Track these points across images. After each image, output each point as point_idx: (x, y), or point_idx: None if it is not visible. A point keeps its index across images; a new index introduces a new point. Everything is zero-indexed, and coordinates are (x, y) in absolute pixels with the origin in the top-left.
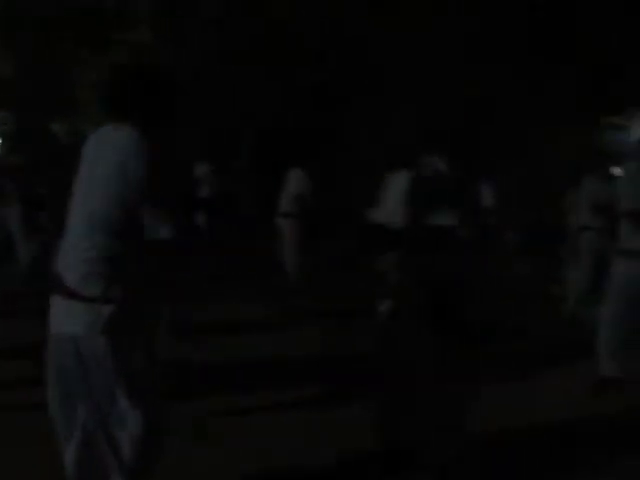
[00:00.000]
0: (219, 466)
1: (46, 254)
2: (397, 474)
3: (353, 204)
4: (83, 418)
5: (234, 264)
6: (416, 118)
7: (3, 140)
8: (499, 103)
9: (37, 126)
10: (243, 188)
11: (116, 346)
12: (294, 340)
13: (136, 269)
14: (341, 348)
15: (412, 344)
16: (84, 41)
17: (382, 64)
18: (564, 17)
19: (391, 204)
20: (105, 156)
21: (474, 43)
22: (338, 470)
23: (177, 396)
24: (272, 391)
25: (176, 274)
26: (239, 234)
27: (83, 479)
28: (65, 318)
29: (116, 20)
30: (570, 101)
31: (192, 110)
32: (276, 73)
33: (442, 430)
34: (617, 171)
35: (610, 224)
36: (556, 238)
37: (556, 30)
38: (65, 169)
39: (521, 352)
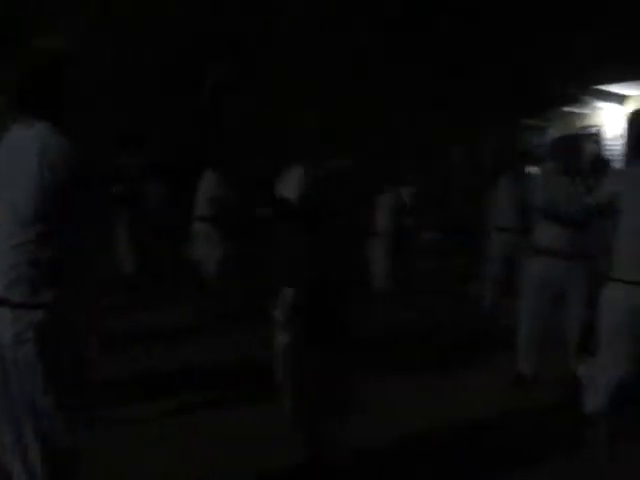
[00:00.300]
0: (166, 467)
1: None
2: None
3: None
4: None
5: (153, 269)
6: (317, 117)
7: None
8: (416, 104)
9: None
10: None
11: (46, 354)
12: (221, 344)
13: (67, 271)
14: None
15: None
16: None
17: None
18: (482, 19)
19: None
20: (24, 155)
21: (382, 41)
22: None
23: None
24: (211, 393)
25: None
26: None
27: None
28: None
29: (27, 26)
30: (489, 102)
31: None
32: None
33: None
34: (534, 171)
35: (525, 223)
36: (474, 237)
37: (475, 31)
38: None
39: (440, 349)
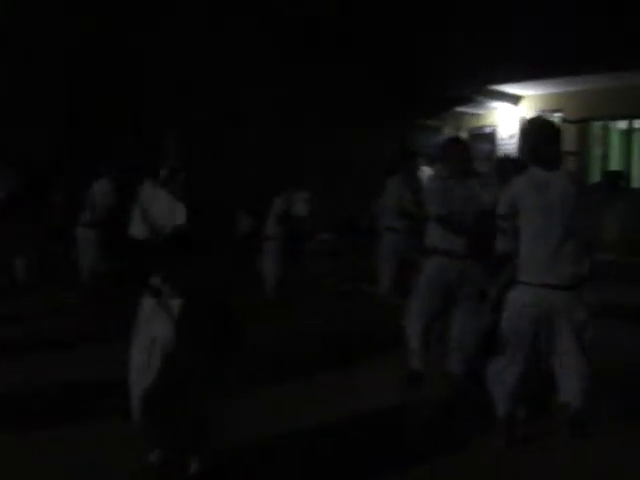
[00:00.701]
0: None
1: None
2: None
3: None
4: None
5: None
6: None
7: None
8: (313, 108)
9: None
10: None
11: None
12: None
13: None
14: None
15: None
16: None
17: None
18: (377, 25)
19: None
20: None
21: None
22: None
23: None
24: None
25: None
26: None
27: None
28: None
29: None
30: (384, 103)
31: None
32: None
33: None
34: (427, 172)
35: (414, 224)
36: (369, 237)
37: (370, 33)
38: None
39: (334, 349)
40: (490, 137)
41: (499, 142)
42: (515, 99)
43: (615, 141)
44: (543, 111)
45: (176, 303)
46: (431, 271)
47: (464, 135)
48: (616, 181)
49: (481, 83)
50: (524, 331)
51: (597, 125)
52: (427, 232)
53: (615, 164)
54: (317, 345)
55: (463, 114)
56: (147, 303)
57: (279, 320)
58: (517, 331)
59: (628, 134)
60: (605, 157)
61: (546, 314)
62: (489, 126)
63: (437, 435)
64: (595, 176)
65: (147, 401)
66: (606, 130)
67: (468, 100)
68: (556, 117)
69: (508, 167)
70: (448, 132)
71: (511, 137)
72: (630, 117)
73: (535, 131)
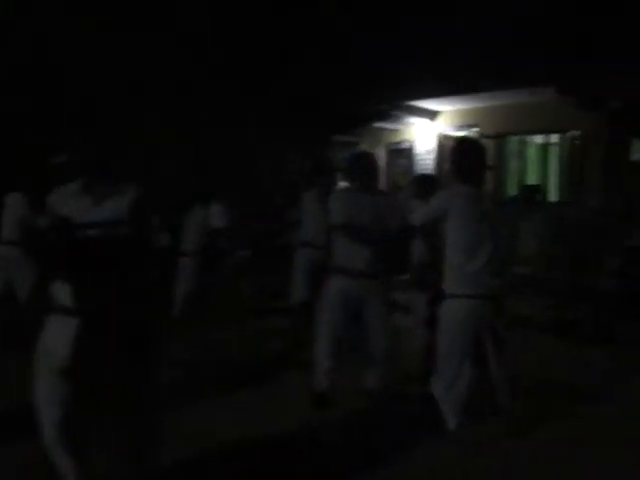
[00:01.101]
0: None
1: None
2: None
3: None
4: None
5: None
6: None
7: None
8: (225, 120)
9: None
10: None
11: None
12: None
13: None
14: None
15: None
16: None
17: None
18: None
19: None
20: None
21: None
22: None
23: None
24: None
25: None
26: None
27: None
28: None
29: None
30: (299, 118)
31: None
32: None
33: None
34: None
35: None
36: (284, 253)
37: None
38: None
39: (243, 367)
40: (407, 152)
41: (416, 157)
42: (432, 114)
43: (532, 155)
44: (460, 126)
45: (76, 321)
46: (333, 290)
47: (382, 150)
48: (533, 195)
49: (398, 98)
50: (466, 342)
51: (514, 139)
52: (333, 249)
53: (532, 178)
54: (226, 364)
55: (381, 130)
56: (51, 320)
57: (190, 337)
58: (460, 344)
59: (544, 148)
60: (522, 171)
61: (479, 323)
62: (406, 141)
63: (347, 450)
64: (512, 190)
65: (59, 428)
66: (523, 144)
67: (385, 116)
68: (473, 132)
69: (428, 183)
70: (365, 148)
71: (428, 152)
72: (546, 132)
73: (467, 152)
